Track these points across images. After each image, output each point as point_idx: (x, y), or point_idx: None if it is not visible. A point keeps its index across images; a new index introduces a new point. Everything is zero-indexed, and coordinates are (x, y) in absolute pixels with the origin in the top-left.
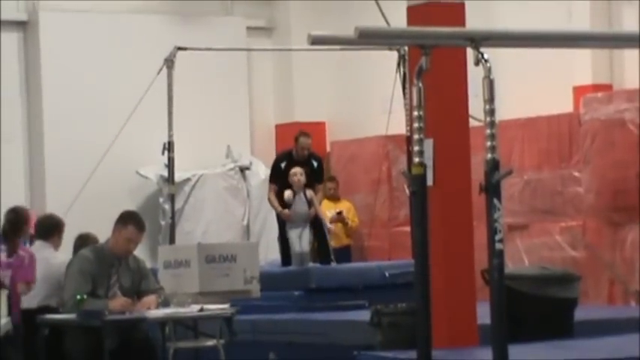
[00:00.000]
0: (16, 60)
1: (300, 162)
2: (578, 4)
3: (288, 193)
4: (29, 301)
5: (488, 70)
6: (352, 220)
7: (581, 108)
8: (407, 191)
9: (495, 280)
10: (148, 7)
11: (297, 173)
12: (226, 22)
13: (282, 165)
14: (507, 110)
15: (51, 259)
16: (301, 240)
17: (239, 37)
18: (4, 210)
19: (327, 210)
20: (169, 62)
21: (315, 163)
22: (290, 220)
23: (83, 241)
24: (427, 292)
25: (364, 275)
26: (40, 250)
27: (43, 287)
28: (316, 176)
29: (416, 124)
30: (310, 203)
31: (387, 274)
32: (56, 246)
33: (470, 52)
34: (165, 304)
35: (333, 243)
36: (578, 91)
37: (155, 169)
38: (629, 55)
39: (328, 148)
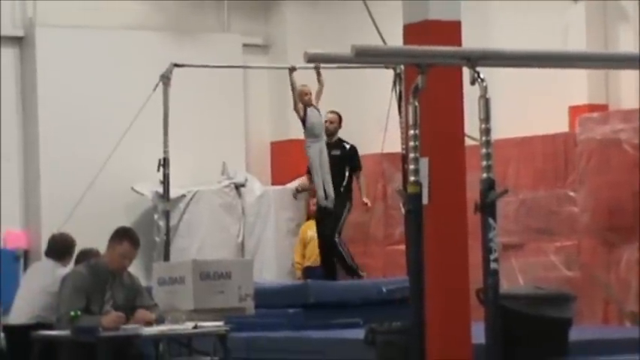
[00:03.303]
0: (12, 76)
1: (331, 144)
2: (575, 24)
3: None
4: (29, 312)
5: (484, 90)
6: None
7: (577, 128)
8: (402, 210)
9: (490, 299)
10: (144, 23)
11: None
12: (223, 39)
13: None
14: (503, 129)
15: (56, 270)
16: (321, 155)
17: (235, 54)
18: (3, 229)
19: (309, 230)
20: (165, 79)
21: (347, 146)
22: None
23: (85, 256)
24: (422, 311)
25: (362, 291)
26: (46, 266)
27: (44, 298)
28: (349, 160)
29: (411, 143)
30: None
31: (384, 290)
32: (66, 265)
33: (466, 71)
34: (159, 320)
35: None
36: (574, 111)
37: (150, 185)
38: (625, 75)
39: None
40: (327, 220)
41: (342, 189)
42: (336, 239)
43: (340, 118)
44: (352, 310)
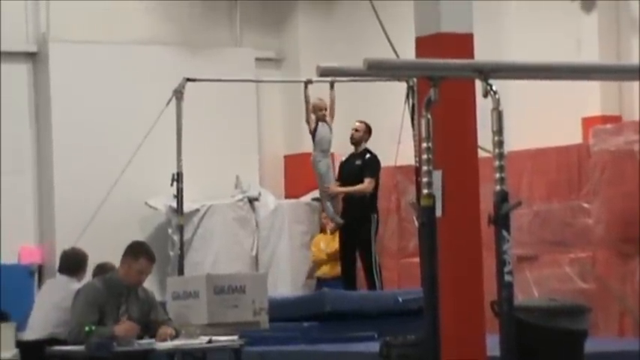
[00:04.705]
0: (25, 91)
1: (356, 154)
2: (587, 35)
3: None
4: (42, 327)
5: (497, 102)
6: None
7: (591, 139)
8: (416, 222)
9: (505, 312)
10: (157, 38)
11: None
12: (235, 53)
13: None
14: (516, 141)
15: (69, 286)
16: (329, 171)
17: (248, 68)
18: (9, 242)
19: (322, 242)
20: (178, 93)
21: (367, 155)
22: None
23: (102, 270)
24: (436, 324)
25: (378, 300)
26: (59, 282)
27: (57, 314)
28: (365, 167)
29: (425, 156)
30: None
31: (400, 299)
32: (79, 280)
33: (479, 83)
34: (174, 335)
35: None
36: (587, 123)
37: (164, 199)
38: (639, 86)
39: None
40: (353, 232)
41: (364, 200)
42: (375, 270)
43: (368, 127)
44: (368, 320)
